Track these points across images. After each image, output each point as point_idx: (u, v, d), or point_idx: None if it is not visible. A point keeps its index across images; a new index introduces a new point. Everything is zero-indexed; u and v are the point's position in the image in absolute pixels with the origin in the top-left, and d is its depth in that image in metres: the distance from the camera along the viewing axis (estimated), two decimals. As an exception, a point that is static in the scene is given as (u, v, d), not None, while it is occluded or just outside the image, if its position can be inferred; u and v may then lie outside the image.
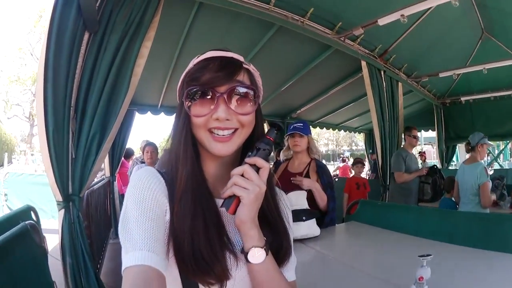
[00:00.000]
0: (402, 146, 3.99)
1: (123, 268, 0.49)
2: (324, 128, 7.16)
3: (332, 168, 13.05)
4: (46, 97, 1.63)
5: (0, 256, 1.27)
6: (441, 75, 4.51)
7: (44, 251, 1.71)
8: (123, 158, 4.70)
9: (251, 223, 0.56)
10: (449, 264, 1.40)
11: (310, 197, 2.05)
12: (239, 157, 0.66)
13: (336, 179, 6.13)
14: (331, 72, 4.27)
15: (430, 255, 0.95)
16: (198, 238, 0.54)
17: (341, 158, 13.76)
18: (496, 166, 10.39)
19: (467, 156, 3.13)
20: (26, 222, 1.58)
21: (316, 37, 3.07)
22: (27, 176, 5.93)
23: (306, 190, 2.02)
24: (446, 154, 6.54)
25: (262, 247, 0.57)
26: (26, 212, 2.08)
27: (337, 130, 7.51)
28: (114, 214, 4.38)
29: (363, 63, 3.54)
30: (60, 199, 1.79)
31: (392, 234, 2.01)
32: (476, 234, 1.73)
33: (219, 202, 0.61)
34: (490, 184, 2.73)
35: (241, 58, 0.62)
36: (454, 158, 8.69)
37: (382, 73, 3.83)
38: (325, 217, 2.11)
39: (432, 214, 2.17)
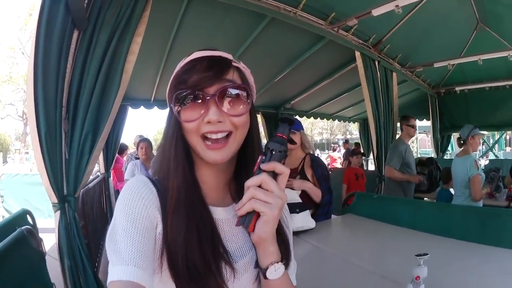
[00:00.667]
0: (398, 136, 3.78)
1: (108, 281, 0.48)
2: (318, 118, 7.15)
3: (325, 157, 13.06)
4: (36, 99, 1.60)
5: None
6: (436, 65, 4.49)
7: (42, 255, 1.69)
8: (117, 154, 4.67)
9: (272, 238, 0.53)
10: (444, 258, 1.41)
11: (306, 194, 2.07)
12: (235, 162, 0.63)
13: (330, 172, 6.14)
14: (324, 62, 4.24)
15: (427, 254, 0.94)
16: (192, 251, 0.52)
17: (332, 148, 13.63)
18: (491, 156, 10.53)
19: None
20: (23, 227, 1.56)
21: (309, 28, 3.04)
22: (22, 176, 5.88)
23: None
24: (441, 144, 6.59)
25: (281, 262, 0.55)
26: (22, 216, 2.06)
27: (331, 120, 7.45)
28: (110, 211, 4.37)
29: (357, 54, 3.51)
30: (55, 200, 1.77)
31: (389, 227, 2.02)
32: (472, 227, 1.74)
33: (214, 210, 0.59)
34: (481, 177, 2.73)
35: (230, 56, 0.58)
36: (449, 148, 8.76)
37: (376, 63, 3.80)
38: (319, 210, 2.13)
39: (428, 207, 2.19)
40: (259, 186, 0.51)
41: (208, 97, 0.54)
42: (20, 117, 22.74)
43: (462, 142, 2.93)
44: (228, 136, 0.56)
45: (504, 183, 3.54)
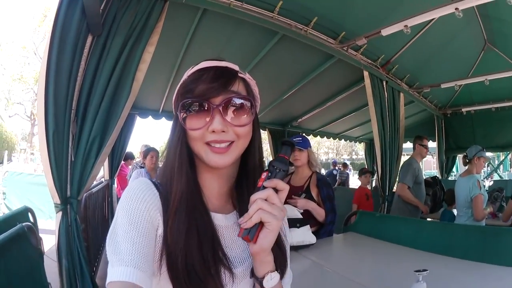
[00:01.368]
0: (410, 155, 3.73)
1: (107, 281, 0.48)
2: (325, 137, 7.11)
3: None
4: (47, 99, 1.64)
5: (-4, 257, 1.26)
6: (443, 86, 4.48)
7: (40, 253, 1.70)
8: (122, 162, 4.69)
9: (270, 249, 0.55)
10: (444, 277, 1.40)
11: (309, 212, 2.07)
12: (237, 170, 0.65)
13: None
14: (333, 81, 4.26)
15: (426, 270, 0.94)
16: (192, 254, 0.53)
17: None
18: (496, 177, 10.42)
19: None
20: (23, 223, 1.58)
21: (319, 46, 3.07)
22: (26, 176, 5.93)
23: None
24: (446, 165, 6.51)
25: (276, 271, 0.57)
26: (23, 213, 2.08)
27: (337, 139, 7.44)
28: (112, 218, 4.34)
29: (365, 73, 3.53)
30: (58, 201, 1.78)
31: (390, 246, 2.00)
32: (473, 246, 1.73)
33: (215, 216, 0.60)
34: (483, 197, 2.70)
35: (236, 67, 0.60)
36: (454, 169, 8.67)
37: (384, 83, 3.82)
38: (321, 229, 2.12)
39: (430, 227, 2.17)
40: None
41: (214, 107, 0.55)
42: (28, 117, 23.07)
43: (467, 160, 2.91)
44: (230, 144, 0.58)
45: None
